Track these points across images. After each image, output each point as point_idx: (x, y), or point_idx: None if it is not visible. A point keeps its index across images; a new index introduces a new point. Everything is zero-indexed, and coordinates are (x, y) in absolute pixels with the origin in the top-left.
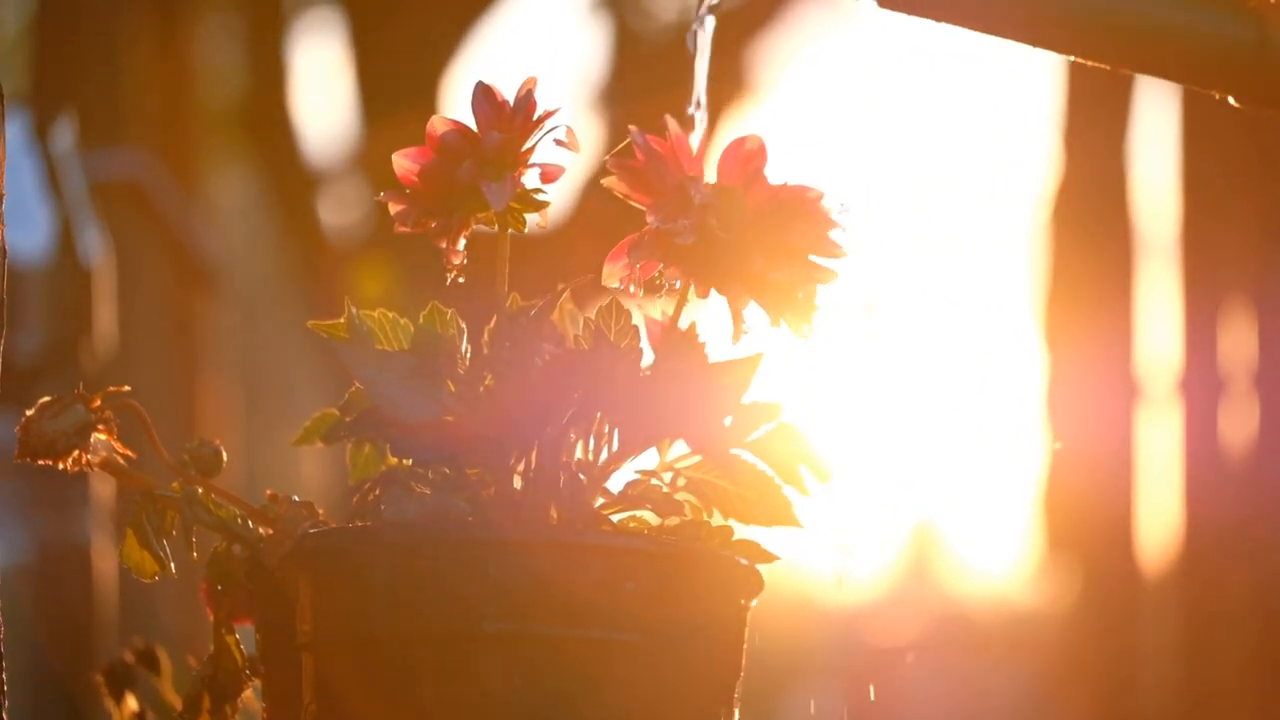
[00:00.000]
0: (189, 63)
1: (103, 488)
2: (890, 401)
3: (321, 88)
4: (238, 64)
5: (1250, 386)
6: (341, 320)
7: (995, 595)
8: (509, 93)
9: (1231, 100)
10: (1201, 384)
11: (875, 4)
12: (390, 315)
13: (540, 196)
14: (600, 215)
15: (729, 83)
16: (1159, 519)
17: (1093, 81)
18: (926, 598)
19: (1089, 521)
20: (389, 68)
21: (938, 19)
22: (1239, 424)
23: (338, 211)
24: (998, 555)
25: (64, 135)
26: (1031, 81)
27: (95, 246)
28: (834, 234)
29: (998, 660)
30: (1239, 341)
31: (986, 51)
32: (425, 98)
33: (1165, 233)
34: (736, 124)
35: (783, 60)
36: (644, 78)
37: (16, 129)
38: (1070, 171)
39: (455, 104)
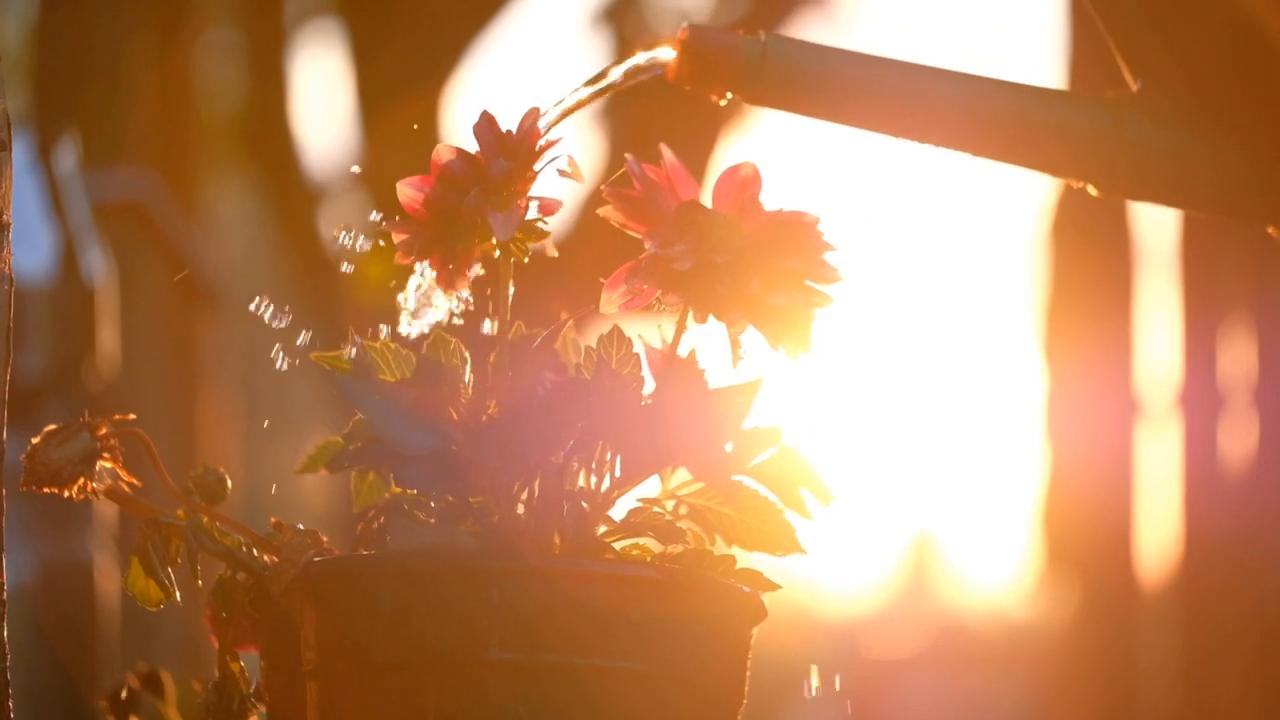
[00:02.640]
0: (190, 80)
1: (106, 508)
2: (890, 416)
3: (322, 102)
4: (238, 79)
5: (1250, 401)
6: (343, 351)
7: (994, 608)
8: (510, 120)
9: (1091, 189)
10: (1201, 399)
11: (744, 100)
12: (393, 346)
13: (542, 226)
14: (599, 228)
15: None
16: (1158, 533)
17: (1091, 87)
18: (926, 610)
19: (1088, 535)
20: (389, 81)
21: (806, 114)
22: (1238, 439)
23: (338, 224)
24: (997, 568)
25: (66, 156)
26: None
27: (98, 266)
28: (830, 258)
29: (997, 673)
30: (1238, 356)
31: (981, 65)
32: (426, 111)
33: (1165, 246)
34: (735, 143)
35: None
36: (644, 90)
37: (19, 150)
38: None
39: (456, 118)
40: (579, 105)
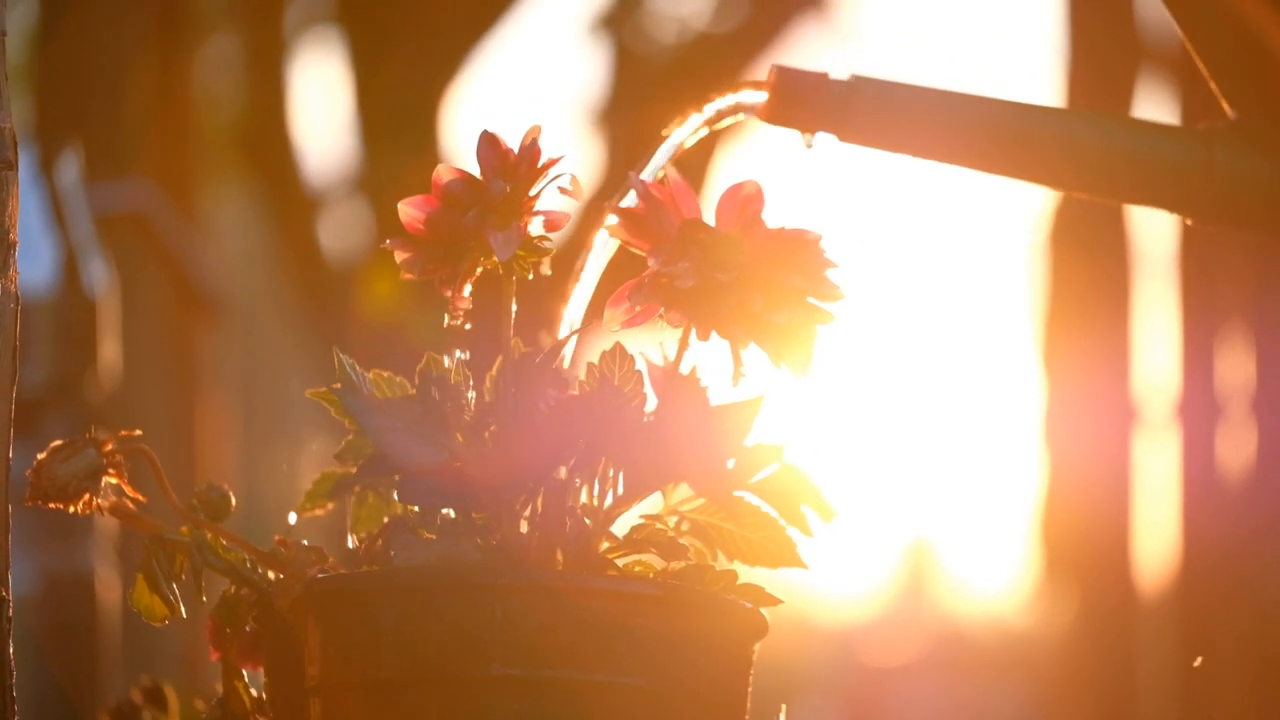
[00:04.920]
0: (191, 91)
1: (107, 520)
2: (888, 422)
3: (322, 110)
4: (239, 89)
5: (1248, 410)
6: (336, 386)
7: (992, 616)
8: (512, 139)
9: (1188, 221)
10: (1199, 407)
11: (836, 139)
12: (385, 374)
13: (544, 244)
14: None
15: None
16: (1156, 541)
17: (1090, 98)
18: (924, 618)
19: (1086, 543)
20: (390, 90)
21: (895, 151)
22: (1236, 447)
23: (339, 234)
24: (995, 576)
25: (68, 168)
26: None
27: (99, 278)
28: (832, 275)
29: (994, 680)
30: (1236, 364)
31: (981, 70)
32: (426, 119)
33: (1163, 253)
34: (732, 152)
35: None
36: (642, 98)
37: (22, 163)
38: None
39: (456, 126)
40: (676, 150)
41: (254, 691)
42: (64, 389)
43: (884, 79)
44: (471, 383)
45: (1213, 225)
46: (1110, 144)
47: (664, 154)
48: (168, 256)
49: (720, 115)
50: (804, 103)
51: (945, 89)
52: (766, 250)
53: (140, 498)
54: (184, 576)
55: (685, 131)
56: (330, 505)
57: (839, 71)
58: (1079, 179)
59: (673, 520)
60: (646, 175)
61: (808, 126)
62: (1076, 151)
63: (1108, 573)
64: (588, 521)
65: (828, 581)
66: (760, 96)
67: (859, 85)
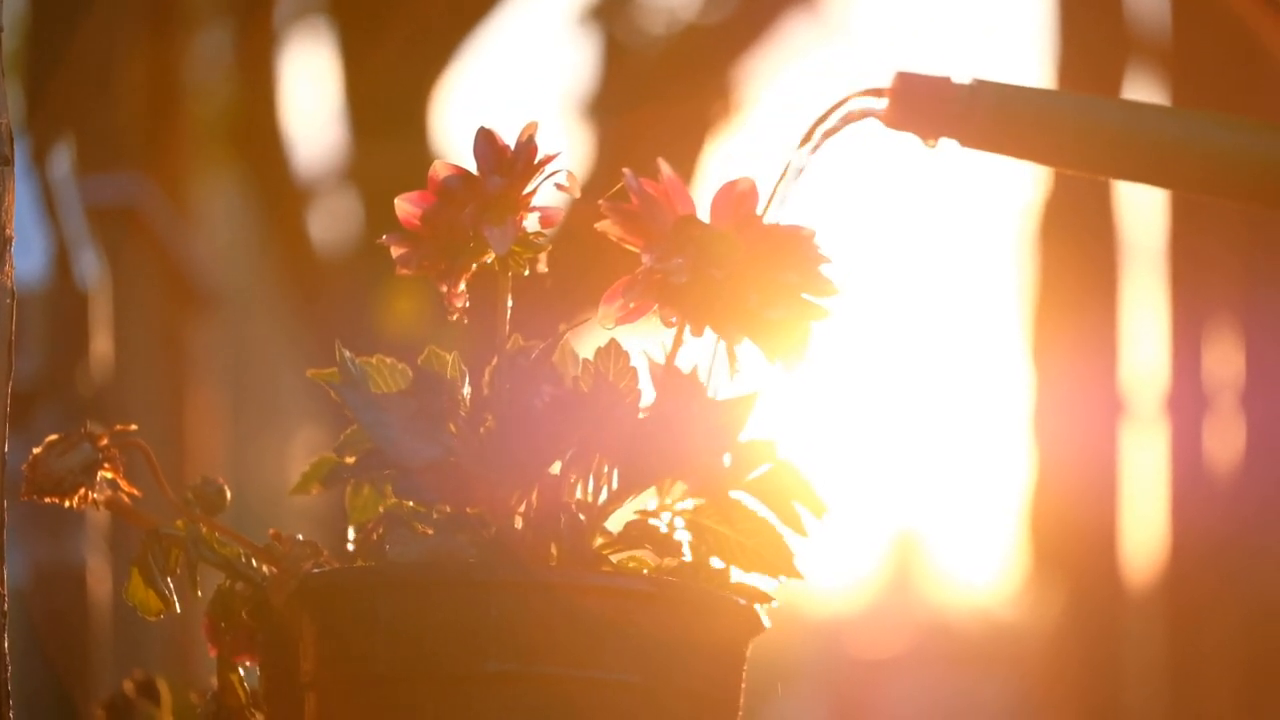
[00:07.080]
0: (182, 84)
1: (99, 512)
2: (876, 415)
3: (312, 103)
4: (230, 80)
5: (1236, 403)
6: (336, 368)
7: (980, 609)
8: (508, 134)
9: None
10: (1187, 400)
11: (958, 145)
12: (388, 361)
13: (540, 240)
14: (588, 229)
15: (717, 100)
16: (1144, 534)
17: (1080, 89)
18: (911, 610)
19: (1074, 536)
20: (379, 82)
21: (1019, 157)
22: (1225, 440)
23: (329, 226)
24: (983, 569)
25: (59, 161)
26: None
27: (91, 271)
28: (826, 271)
29: (981, 674)
30: (1225, 357)
31: (973, 67)
32: (415, 112)
33: (1152, 246)
34: (725, 146)
35: (770, 77)
36: (632, 90)
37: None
38: (1057, 182)
39: (444, 118)
40: (802, 166)
41: (249, 685)
42: (55, 381)
43: (1007, 83)
44: (468, 378)
45: None
46: (1243, 148)
47: (794, 168)
48: (159, 249)
49: (844, 122)
50: (927, 108)
51: (1066, 92)
52: (760, 246)
53: (136, 492)
54: (179, 571)
55: (812, 143)
56: (319, 489)
57: (961, 76)
58: (1209, 183)
59: (667, 517)
60: (778, 201)
61: (930, 132)
62: (1209, 155)
63: (1095, 566)
64: (582, 517)
65: (815, 574)
66: (882, 102)
67: (982, 90)
